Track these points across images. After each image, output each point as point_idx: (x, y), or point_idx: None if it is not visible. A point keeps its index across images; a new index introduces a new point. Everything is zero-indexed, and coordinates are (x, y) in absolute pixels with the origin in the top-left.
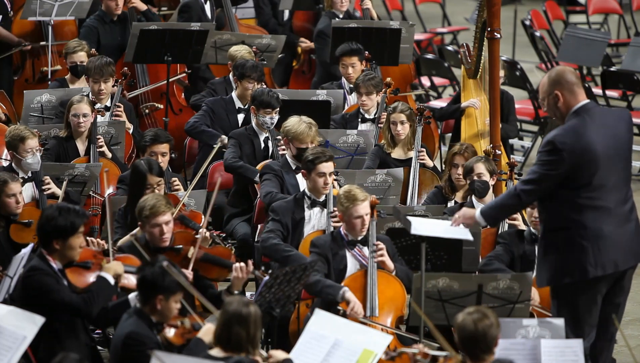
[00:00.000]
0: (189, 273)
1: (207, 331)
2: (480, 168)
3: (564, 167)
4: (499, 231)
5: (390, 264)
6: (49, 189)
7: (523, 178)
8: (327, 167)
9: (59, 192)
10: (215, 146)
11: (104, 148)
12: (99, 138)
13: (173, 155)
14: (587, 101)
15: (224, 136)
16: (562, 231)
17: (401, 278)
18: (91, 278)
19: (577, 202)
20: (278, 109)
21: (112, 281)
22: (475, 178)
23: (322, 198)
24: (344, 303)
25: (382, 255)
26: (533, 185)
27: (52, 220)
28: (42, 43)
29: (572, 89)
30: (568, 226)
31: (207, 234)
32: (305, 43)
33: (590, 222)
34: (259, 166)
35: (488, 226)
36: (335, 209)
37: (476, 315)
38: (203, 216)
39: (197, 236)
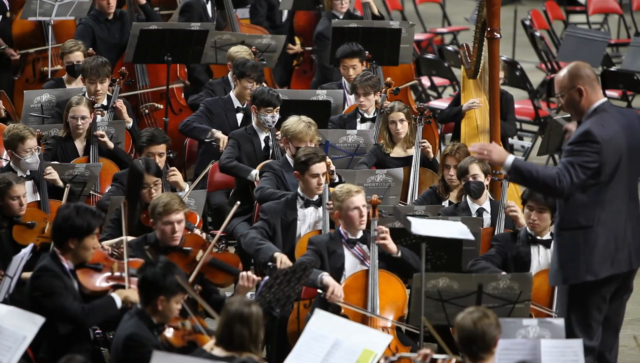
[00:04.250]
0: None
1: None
2: (475, 169)
3: (599, 159)
4: (495, 233)
5: (393, 246)
6: (49, 174)
7: (561, 169)
8: (320, 168)
9: (60, 183)
10: (206, 140)
11: (105, 138)
12: (98, 131)
13: (171, 154)
14: (605, 99)
15: (214, 130)
16: (582, 229)
17: (407, 257)
18: (101, 280)
19: (598, 199)
20: (279, 107)
21: (119, 304)
22: (471, 179)
23: (316, 198)
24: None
25: (384, 238)
26: (577, 179)
27: (69, 219)
28: (20, 52)
29: (593, 84)
30: (588, 225)
31: (203, 235)
32: (292, 50)
33: (610, 219)
34: (259, 166)
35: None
36: (330, 203)
37: (476, 315)
38: (198, 217)
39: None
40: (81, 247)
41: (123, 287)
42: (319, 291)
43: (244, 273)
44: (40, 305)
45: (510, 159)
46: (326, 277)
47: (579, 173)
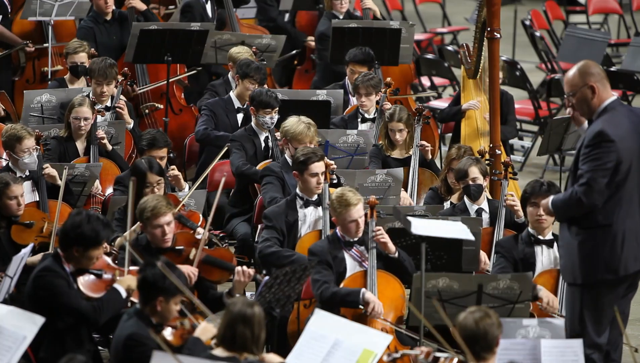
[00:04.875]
0: (194, 269)
1: (203, 330)
2: (475, 172)
3: (616, 157)
4: (495, 233)
5: (391, 246)
6: (47, 171)
7: (581, 182)
8: (319, 167)
9: (59, 181)
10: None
11: (105, 140)
12: (98, 132)
13: (171, 154)
14: (615, 97)
15: None
16: (600, 228)
17: (404, 260)
18: (101, 287)
19: (615, 197)
20: (277, 108)
21: (124, 294)
22: (470, 182)
23: (315, 197)
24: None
25: (382, 237)
26: (596, 185)
27: (79, 227)
28: (46, 45)
29: (604, 82)
30: (607, 223)
31: (207, 234)
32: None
33: (627, 218)
34: (258, 167)
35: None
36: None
37: (478, 314)
38: (201, 216)
39: (196, 236)
40: (85, 257)
41: None
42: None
43: (239, 267)
44: (46, 304)
45: (550, 201)
46: (368, 294)
47: (599, 179)
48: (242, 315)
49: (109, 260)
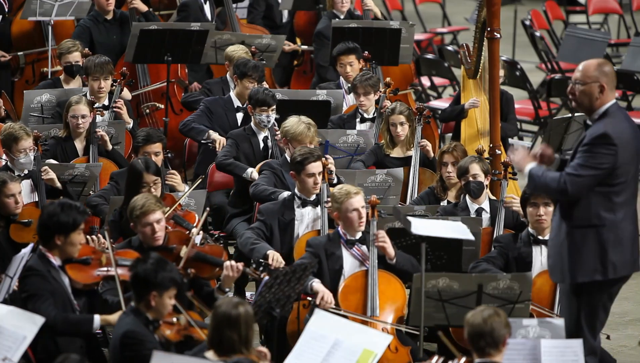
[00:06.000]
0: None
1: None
2: (475, 169)
3: (614, 161)
4: (495, 233)
5: (391, 250)
6: (46, 174)
7: (571, 171)
8: (316, 167)
9: (58, 184)
10: (203, 141)
11: (106, 138)
12: (99, 131)
13: (169, 154)
14: (614, 101)
15: (211, 131)
16: (594, 228)
17: (404, 264)
18: (91, 273)
19: (611, 200)
20: (274, 107)
21: (96, 325)
22: (471, 178)
23: (313, 197)
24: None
25: (384, 241)
26: (584, 179)
27: (55, 216)
28: (43, 48)
29: (612, 86)
30: (601, 224)
31: (200, 234)
32: (289, 46)
33: (620, 220)
34: (259, 166)
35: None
36: (329, 200)
37: (487, 312)
38: (197, 216)
39: (191, 236)
40: (67, 243)
41: (113, 278)
42: (309, 298)
43: (228, 262)
44: (25, 307)
45: (528, 167)
46: (315, 284)
47: (590, 175)
48: (227, 318)
49: (93, 246)
